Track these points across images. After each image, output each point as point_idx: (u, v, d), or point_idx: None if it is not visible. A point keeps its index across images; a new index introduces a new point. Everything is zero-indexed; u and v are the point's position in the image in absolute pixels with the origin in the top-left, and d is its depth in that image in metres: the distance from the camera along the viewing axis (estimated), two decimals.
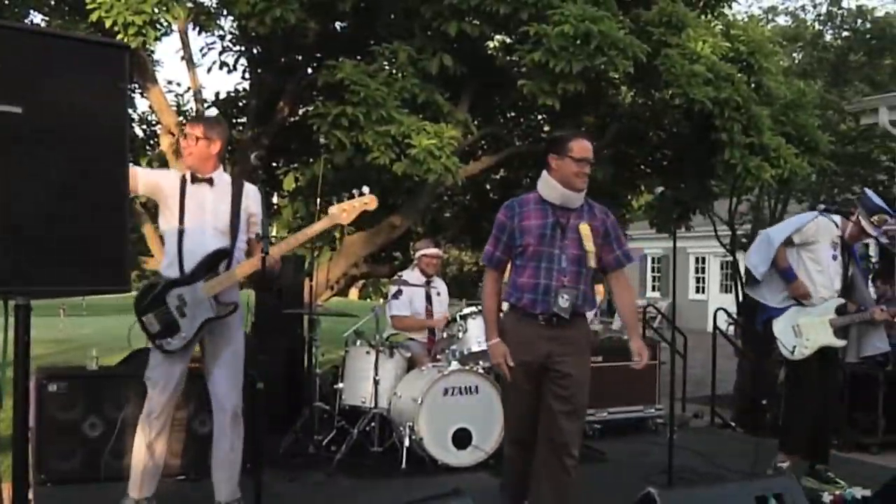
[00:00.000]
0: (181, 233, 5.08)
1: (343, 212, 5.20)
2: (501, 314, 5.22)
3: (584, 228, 4.84)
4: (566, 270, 4.80)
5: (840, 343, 6.64)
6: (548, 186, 4.91)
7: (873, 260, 17.59)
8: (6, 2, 8.53)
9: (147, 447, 5.10)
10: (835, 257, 6.62)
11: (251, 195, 5.28)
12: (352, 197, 5.23)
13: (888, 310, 6.69)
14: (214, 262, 5.06)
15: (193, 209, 5.13)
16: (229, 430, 5.19)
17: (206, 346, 5.20)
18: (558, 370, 4.82)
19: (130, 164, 5.10)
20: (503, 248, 4.99)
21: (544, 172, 4.95)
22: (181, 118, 9.52)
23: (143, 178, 5.16)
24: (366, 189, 5.28)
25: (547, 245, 4.82)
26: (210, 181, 5.20)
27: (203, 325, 5.05)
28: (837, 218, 6.74)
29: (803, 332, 6.54)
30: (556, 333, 4.84)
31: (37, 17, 8.82)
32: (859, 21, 16.68)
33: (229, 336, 5.21)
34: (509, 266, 5.07)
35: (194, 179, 5.18)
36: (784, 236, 6.60)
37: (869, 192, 6.92)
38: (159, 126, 9.58)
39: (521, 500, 5.24)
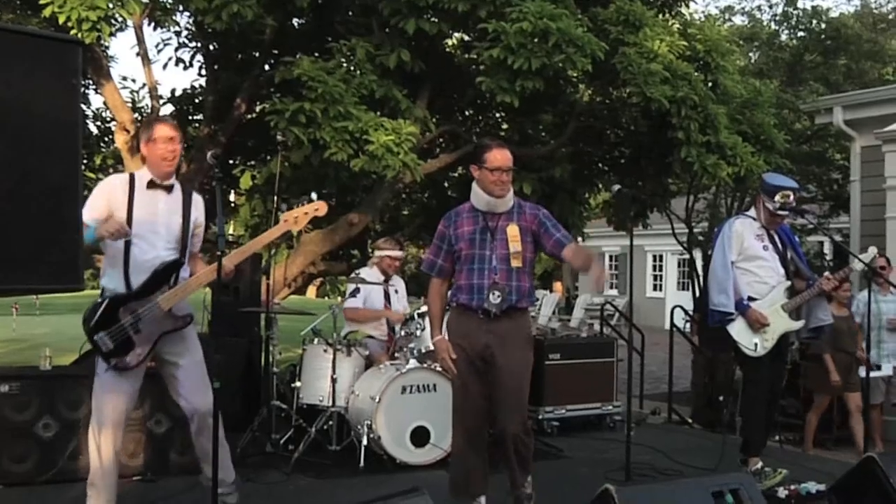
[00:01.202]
0: (128, 244, 4.86)
1: (294, 219, 5.16)
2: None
3: (512, 230, 5.18)
4: (497, 269, 5.13)
5: (798, 324, 6.65)
6: (475, 195, 5.26)
7: (828, 257, 17.83)
8: None
9: (111, 460, 4.90)
10: (766, 248, 6.65)
11: (199, 206, 5.15)
12: (301, 204, 5.23)
13: (833, 277, 6.71)
14: (167, 275, 4.91)
15: (143, 218, 4.92)
16: (206, 430, 5.07)
17: (164, 358, 5.03)
18: (496, 362, 5.12)
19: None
20: (444, 256, 5.34)
21: (473, 183, 5.28)
22: (136, 115, 9.43)
23: (99, 212, 4.89)
24: (314, 195, 5.29)
25: (478, 248, 5.18)
26: (169, 188, 5.03)
27: (158, 340, 4.92)
28: (751, 212, 6.80)
29: None
30: (493, 326, 5.14)
31: None
32: (814, 21, 16.82)
33: (187, 346, 5.07)
34: None
35: (151, 185, 4.98)
36: (730, 263, 6.60)
37: (766, 176, 7.01)
38: (114, 123, 9.48)
39: (470, 498, 5.33)
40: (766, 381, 6.60)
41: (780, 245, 6.70)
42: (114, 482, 4.96)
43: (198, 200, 5.17)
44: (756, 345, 6.50)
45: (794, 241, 6.93)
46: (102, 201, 4.91)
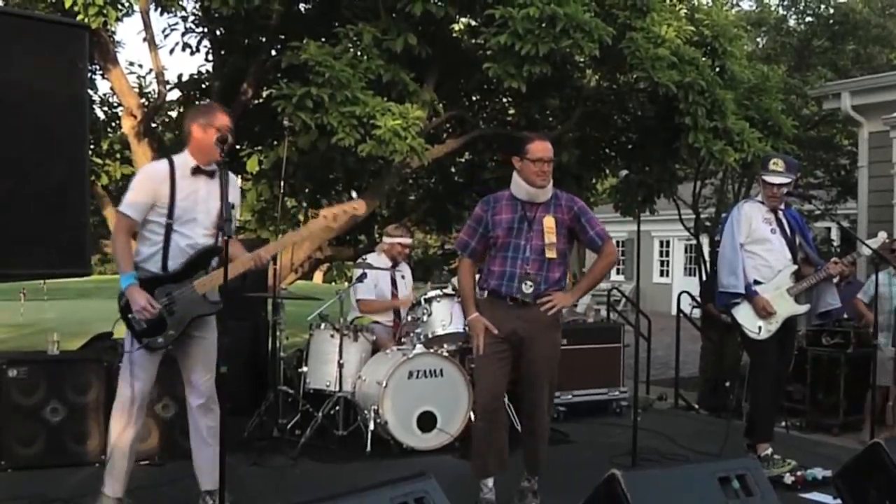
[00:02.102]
0: (169, 227, 4.88)
1: (333, 215, 5.20)
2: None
3: (549, 221, 5.36)
4: (529, 259, 5.30)
5: (803, 308, 6.61)
6: (515, 185, 5.40)
7: (835, 243, 17.79)
8: None
9: (130, 441, 4.96)
10: (773, 231, 6.65)
11: (235, 185, 5.17)
12: (341, 202, 5.27)
13: (841, 261, 6.69)
14: (206, 260, 4.96)
15: (185, 206, 4.92)
16: (206, 416, 5.12)
17: (183, 339, 5.04)
18: (525, 349, 5.30)
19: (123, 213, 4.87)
20: (478, 239, 5.46)
21: (514, 173, 5.41)
22: (143, 100, 9.42)
23: (143, 211, 4.89)
24: (354, 194, 5.34)
25: (514, 237, 5.33)
26: (212, 174, 5.00)
27: (190, 323, 4.95)
28: (759, 196, 6.81)
29: None
30: (522, 313, 5.28)
31: None
32: (822, 6, 16.76)
33: (207, 331, 5.11)
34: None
35: (196, 171, 4.96)
36: (739, 244, 6.60)
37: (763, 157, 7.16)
38: (121, 108, 9.48)
39: (487, 476, 5.39)
40: (772, 366, 6.59)
41: (788, 230, 6.68)
42: (128, 467, 4.98)
43: (234, 181, 5.16)
44: (760, 328, 6.50)
45: (803, 227, 6.90)
46: (146, 196, 4.87)
